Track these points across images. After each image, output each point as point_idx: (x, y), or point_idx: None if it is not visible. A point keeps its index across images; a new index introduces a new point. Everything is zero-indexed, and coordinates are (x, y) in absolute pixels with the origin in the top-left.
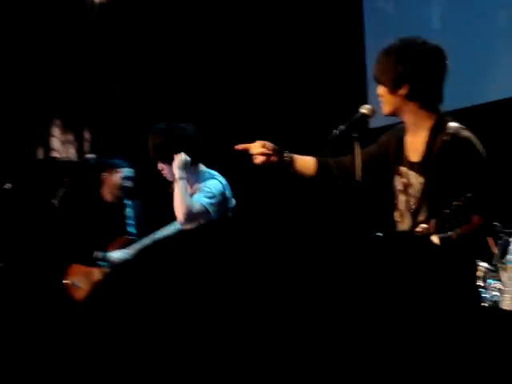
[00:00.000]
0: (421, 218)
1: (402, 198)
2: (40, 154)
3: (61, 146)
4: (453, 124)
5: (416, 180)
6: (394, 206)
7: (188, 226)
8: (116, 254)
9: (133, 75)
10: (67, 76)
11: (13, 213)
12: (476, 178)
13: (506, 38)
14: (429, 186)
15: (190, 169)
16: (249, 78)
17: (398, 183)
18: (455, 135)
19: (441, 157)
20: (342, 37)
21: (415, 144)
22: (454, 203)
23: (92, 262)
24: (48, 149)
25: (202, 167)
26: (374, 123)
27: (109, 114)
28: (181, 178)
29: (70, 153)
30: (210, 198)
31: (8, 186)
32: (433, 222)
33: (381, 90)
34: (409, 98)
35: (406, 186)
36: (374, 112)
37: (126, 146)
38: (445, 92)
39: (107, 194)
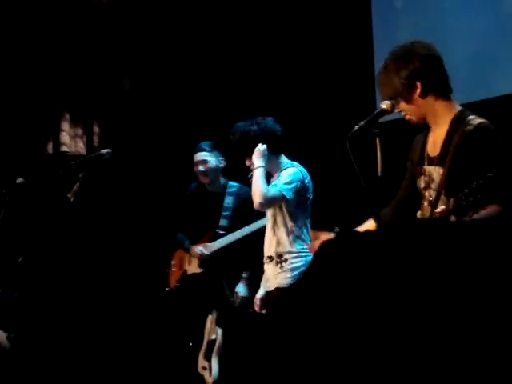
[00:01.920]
0: (439, 207)
1: (425, 196)
2: (50, 148)
3: (70, 141)
4: (473, 116)
5: (437, 173)
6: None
7: (264, 209)
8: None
9: (142, 68)
10: (76, 69)
11: (25, 207)
12: (496, 165)
13: None
14: (448, 175)
15: (272, 159)
16: (258, 76)
17: (421, 183)
18: (476, 126)
19: (461, 147)
20: (350, 36)
21: (436, 139)
22: (475, 182)
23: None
24: (58, 143)
25: (283, 158)
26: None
27: (118, 108)
28: (258, 167)
29: (80, 147)
30: (286, 183)
31: (20, 180)
32: (451, 201)
33: (399, 105)
34: (424, 94)
35: (428, 182)
36: (393, 107)
37: (135, 140)
38: (461, 85)
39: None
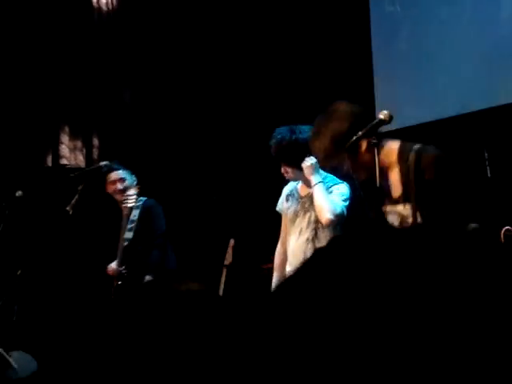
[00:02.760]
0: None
1: None
2: (49, 161)
3: (69, 153)
4: (416, 146)
5: (408, 210)
6: None
7: (333, 225)
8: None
9: (141, 80)
10: (75, 82)
11: (24, 220)
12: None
13: None
14: (417, 210)
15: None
16: (256, 79)
17: (394, 221)
18: (424, 154)
19: (418, 176)
20: (348, 38)
21: (393, 180)
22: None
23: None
24: (57, 156)
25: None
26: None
27: (117, 120)
28: (318, 182)
29: (79, 160)
30: (344, 200)
31: (19, 193)
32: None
33: (339, 163)
34: (369, 147)
35: (403, 219)
36: (391, 118)
37: (135, 152)
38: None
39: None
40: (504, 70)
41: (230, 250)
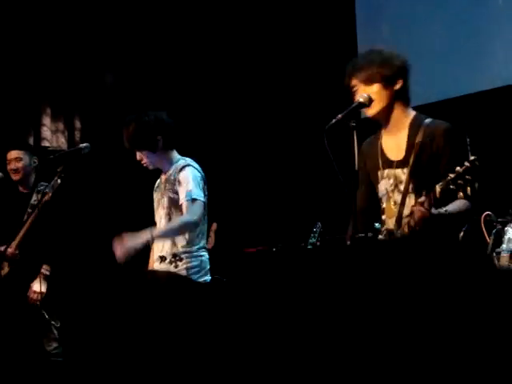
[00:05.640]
0: (406, 208)
1: (390, 200)
2: (31, 143)
3: (51, 136)
4: (429, 119)
5: (403, 175)
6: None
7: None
8: None
9: (124, 62)
10: (57, 64)
11: (5, 202)
12: (461, 160)
13: (497, 26)
14: (413, 173)
15: (164, 153)
16: (241, 68)
17: (386, 186)
18: (435, 126)
19: (423, 146)
20: (334, 29)
21: (396, 143)
22: (458, 168)
23: None
24: (39, 138)
25: (175, 153)
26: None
27: (99, 102)
28: (152, 234)
29: (61, 142)
30: (195, 186)
31: (0, 175)
32: (437, 188)
33: (373, 88)
34: (398, 94)
35: (396, 184)
36: (371, 101)
37: (116, 135)
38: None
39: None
40: (483, 59)
41: (212, 234)
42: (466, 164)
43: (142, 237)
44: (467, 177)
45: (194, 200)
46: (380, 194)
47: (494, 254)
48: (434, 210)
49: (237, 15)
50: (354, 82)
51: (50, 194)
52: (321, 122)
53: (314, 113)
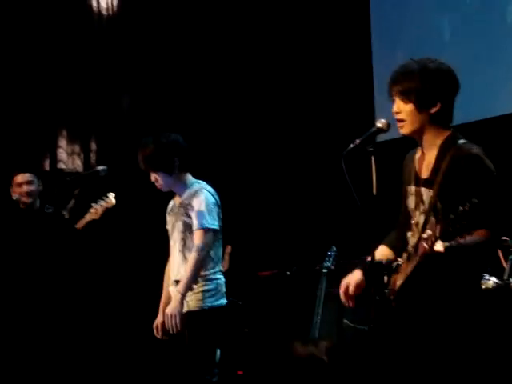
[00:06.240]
0: (426, 232)
1: (415, 217)
2: (46, 165)
3: (67, 158)
4: (462, 141)
5: (427, 195)
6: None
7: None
8: None
9: (140, 85)
10: (74, 86)
11: (22, 224)
12: (484, 191)
13: None
14: (437, 198)
15: (178, 176)
16: (257, 86)
17: (411, 203)
18: (464, 151)
19: (449, 171)
20: (349, 45)
21: (427, 161)
22: (460, 208)
23: None
24: (55, 160)
25: (189, 176)
26: (381, 137)
27: (115, 125)
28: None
29: (77, 164)
30: (208, 213)
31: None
32: (438, 227)
33: (407, 107)
34: (435, 116)
35: (418, 203)
36: (389, 126)
37: (132, 157)
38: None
39: None
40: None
41: (226, 257)
42: (466, 206)
43: (177, 302)
44: (463, 222)
45: (205, 230)
46: (409, 210)
47: (510, 280)
48: (438, 246)
49: (251, 32)
50: (393, 92)
51: (67, 217)
52: (338, 145)
53: (332, 135)
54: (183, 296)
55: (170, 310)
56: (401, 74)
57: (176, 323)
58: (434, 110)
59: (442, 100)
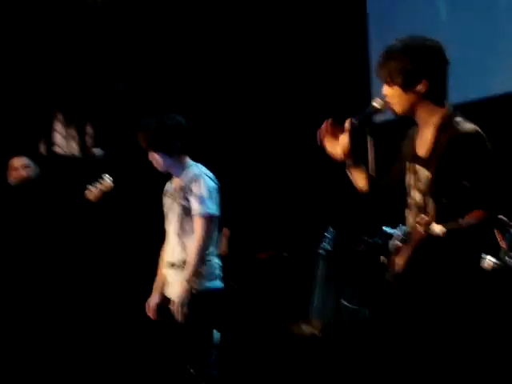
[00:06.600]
0: (426, 212)
1: (412, 195)
2: (42, 148)
3: (63, 141)
4: (459, 119)
5: (423, 174)
6: (406, 204)
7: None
8: None
9: (136, 69)
10: (69, 70)
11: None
12: (481, 171)
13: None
14: (435, 180)
15: (177, 158)
16: (252, 74)
17: (409, 179)
18: (461, 130)
19: (447, 152)
20: (345, 33)
21: (424, 139)
22: (455, 191)
23: None
24: (50, 144)
25: (188, 158)
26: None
27: (112, 109)
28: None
29: (72, 147)
30: (209, 199)
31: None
32: (433, 209)
33: (392, 90)
34: (425, 94)
35: (415, 181)
36: (385, 106)
37: (128, 141)
38: (452, 85)
39: None
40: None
41: (225, 241)
42: (460, 188)
43: (185, 291)
44: (459, 204)
45: (207, 217)
46: (406, 185)
47: (507, 259)
48: (436, 229)
49: (248, 18)
50: (380, 78)
51: None
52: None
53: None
54: (190, 284)
55: (178, 298)
56: (382, 57)
57: (184, 312)
58: (420, 88)
59: (428, 76)
